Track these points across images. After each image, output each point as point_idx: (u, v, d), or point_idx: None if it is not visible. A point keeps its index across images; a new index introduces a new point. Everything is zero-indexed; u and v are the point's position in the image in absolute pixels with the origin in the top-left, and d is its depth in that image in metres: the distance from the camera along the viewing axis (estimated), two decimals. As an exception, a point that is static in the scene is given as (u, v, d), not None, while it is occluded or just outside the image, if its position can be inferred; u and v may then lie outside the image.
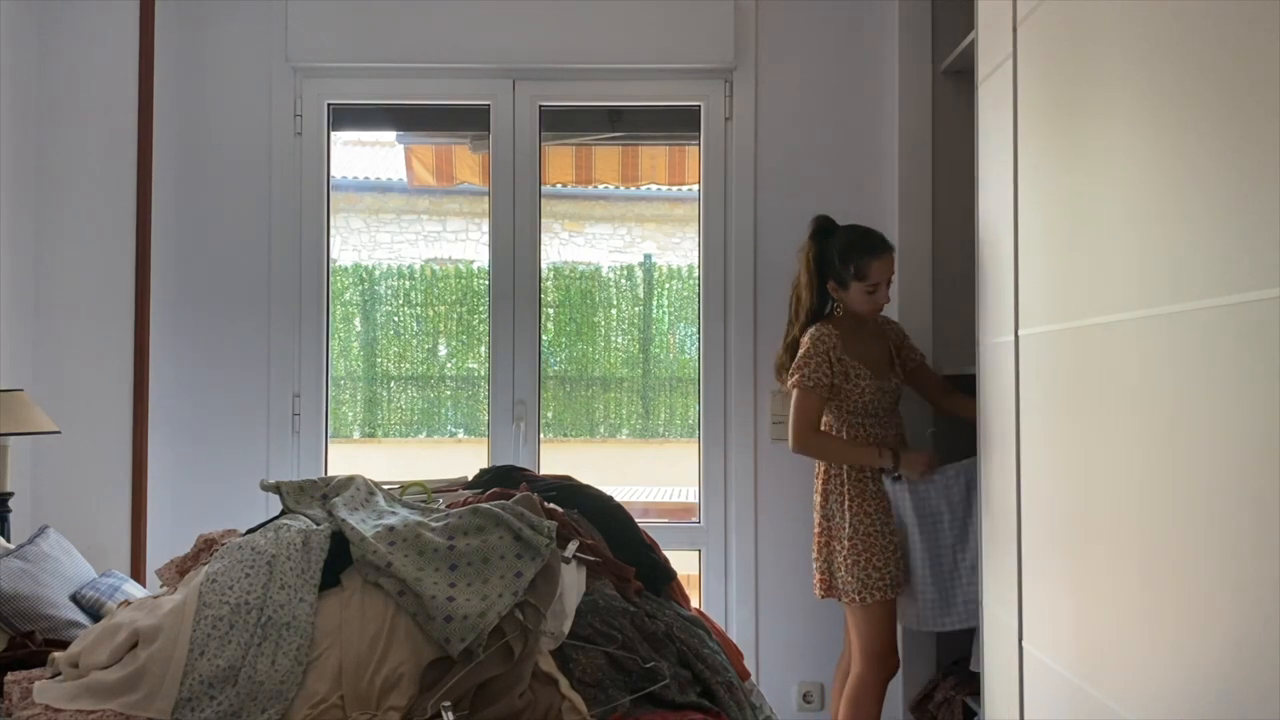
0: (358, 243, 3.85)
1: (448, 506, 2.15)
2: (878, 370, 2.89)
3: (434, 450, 3.86)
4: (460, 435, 3.82)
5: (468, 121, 3.70)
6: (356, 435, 3.80)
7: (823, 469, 2.91)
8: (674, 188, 3.94)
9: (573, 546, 1.98)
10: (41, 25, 3.35)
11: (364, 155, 3.96)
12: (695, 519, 3.53)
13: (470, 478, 2.51)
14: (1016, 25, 2.29)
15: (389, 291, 3.83)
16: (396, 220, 4.01)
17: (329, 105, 3.55)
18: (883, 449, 2.83)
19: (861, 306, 2.89)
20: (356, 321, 3.79)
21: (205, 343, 3.47)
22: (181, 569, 2.07)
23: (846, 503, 2.83)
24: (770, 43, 3.47)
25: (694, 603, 2.37)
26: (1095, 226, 1.88)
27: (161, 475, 3.37)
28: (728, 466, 3.46)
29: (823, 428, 2.93)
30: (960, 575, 2.86)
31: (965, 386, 3.18)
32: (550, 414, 3.65)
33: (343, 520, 1.96)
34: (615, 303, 3.82)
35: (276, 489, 2.18)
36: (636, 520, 2.33)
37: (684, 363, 3.74)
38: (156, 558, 3.18)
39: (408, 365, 3.80)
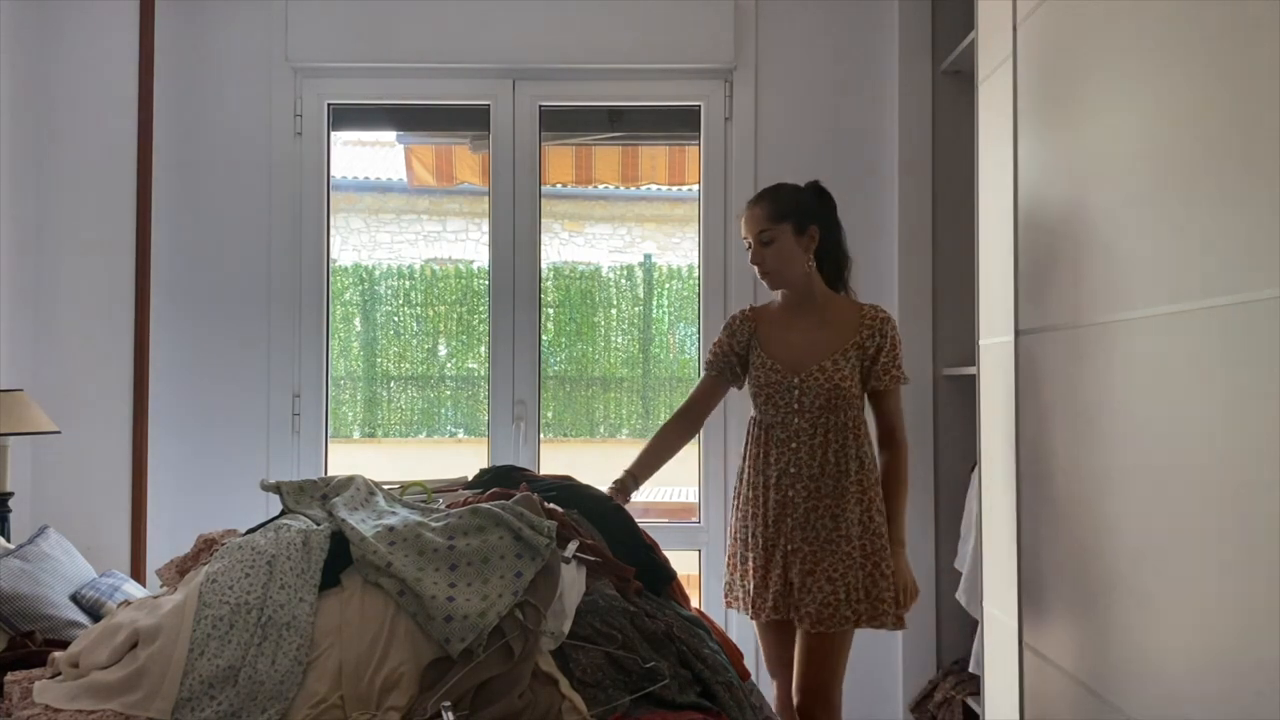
0: (358, 243, 3.85)
1: (448, 506, 2.15)
2: (792, 363, 2.47)
3: (434, 450, 3.86)
4: (460, 435, 3.82)
5: (468, 121, 3.70)
6: (356, 435, 3.80)
7: None
8: (674, 188, 3.94)
9: (573, 546, 1.98)
10: (41, 25, 3.35)
11: (364, 155, 3.96)
12: (695, 519, 3.53)
13: (470, 478, 2.51)
14: (1016, 25, 2.29)
15: (389, 291, 3.83)
16: (396, 220, 4.01)
17: (329, 105, 3.55)
18: (623, 478, 2.57)
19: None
20: (356, 321, 3.79)
21: (205, 342, 3.47)
22: (181, 569, 2.07)
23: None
24: (770, 43, 3.47)
25: (694, 603, 2.37)
26: (1094, 226, 1.88)
27: (161, 475, 3.37)
28: (728, 466, 3.46)
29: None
30: None
31: (965, 386, 3.19)
32: (550, 414, 3.65)
33: (343, 520, 1.96)
34: (615, 303, 3.82)
35: (276, 489, 2.18)
36: (636, 520, 2.33)
37: (684, 363, 3.74)
38: (156, 558, 3.18)
39: (408, 365, 3.80)
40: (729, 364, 2.60)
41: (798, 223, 2.47)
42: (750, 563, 2.49)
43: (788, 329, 2.53)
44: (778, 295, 2.59)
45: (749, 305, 2.66)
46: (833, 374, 2.44)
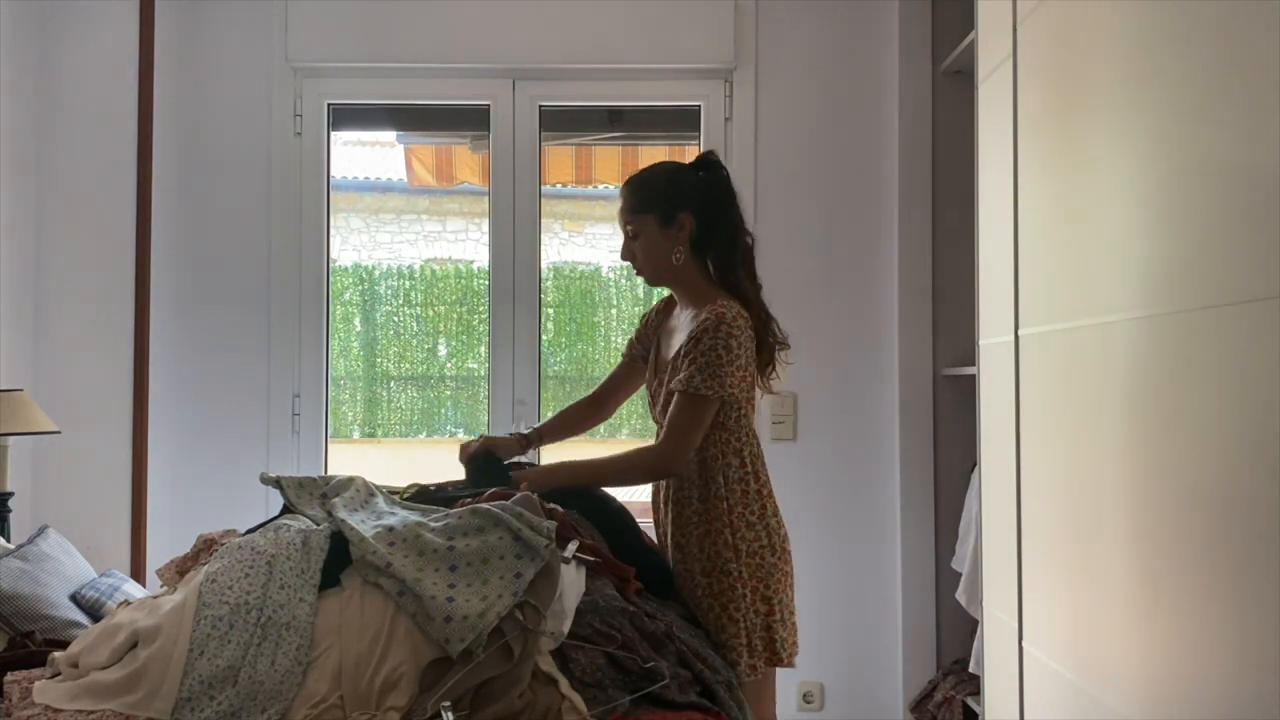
0: (358, 243, 3.85)
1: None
2: (656, 369, 2.29)
3: (434, 450, 3.86)
4: (460, 435, 3.82)
5: (468, 121, 3.70)
6: (356, 435, 3.80)
7: None
8: (674, 188, 3.93)
9: (572, 547, 1.98)
10: (41, 25, 3.34)
11: (364, 155, 3.97)
12: (695, 519, 3.52)
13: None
14: (1016, 25, 2.29)
15: (389, 291, 3.83)
16: (396, 220, 4.01)
17: (329, 105, 3.55)
18: (528, 432, 2.46)
19: None
20: (356, 321, 3.80)
21: (205, 343, 3.46)
22: (181, 569, 2.07)
23: None
24: (770, 43, 3.47)
25: (694, 603, 2.37)
26: (1095, 226, 1.88)
27: (161, 475, 3.37)
28: (728, 466, 3.46)
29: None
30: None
31: (965, 386, 3.19)
32: (550, 414, 3.65)
33: (342, 520, 1.96)
34: (615, 303, 3.82)
35: (277, 483, 2.17)
36: (637, 520, 2.33)
37: (684, 363, 3.74)
38: (156, 558, 3.17)
39: (408, 365, 3.81)
40: (637, 352, 2.40)
41: (663, 213, 2.16)
42: None
43: (668, 330, 2.29)
44: None
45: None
46: (666, 384, 2.17)
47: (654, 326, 2.37)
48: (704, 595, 2.13)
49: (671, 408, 2.12)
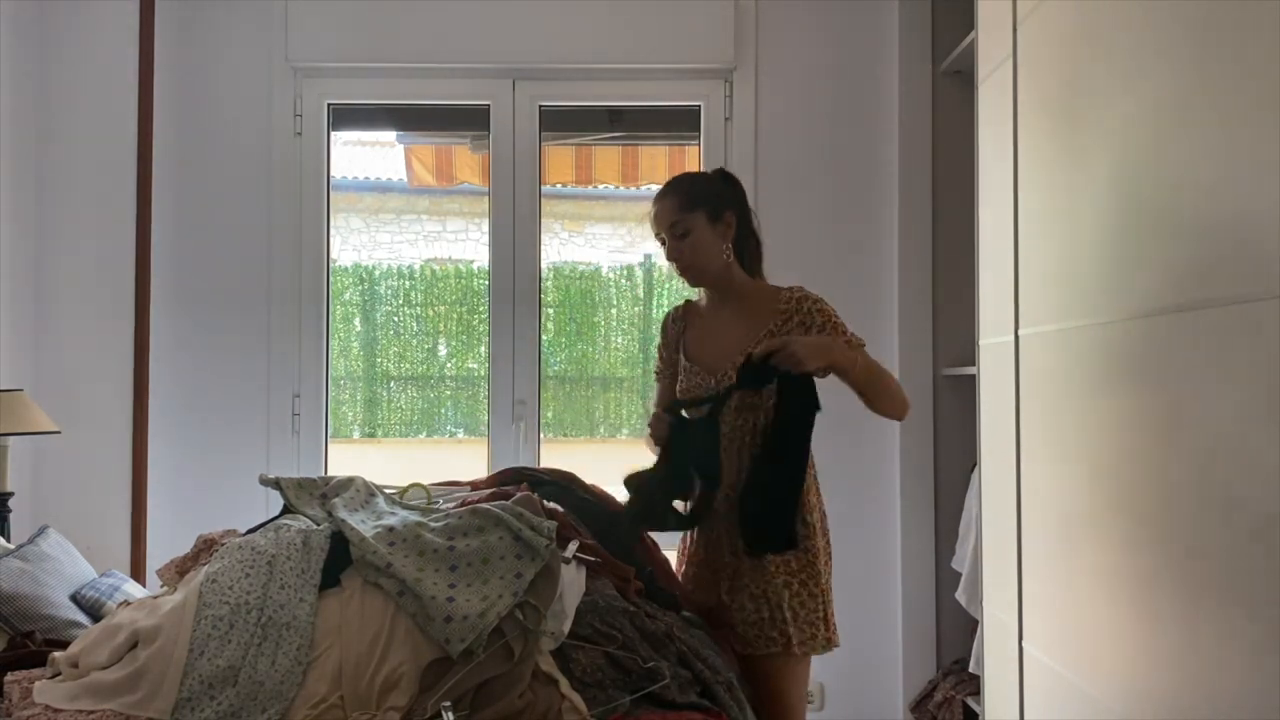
0: (358, 243, 3.85)
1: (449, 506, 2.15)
2: (709, 364, 2.25)
3: (434, 450, 3.86)
4: (460, 435, 3.82)
5: (468, 121, 3.70)
6: (356, 435, 3.80)
7: None
8: (674, 188, 3.93)
9: (573, 547, 1.98)
10: (41, 26, 3.35)
11: (364, 155, 3.97)
12: (695, 519, 3.52)
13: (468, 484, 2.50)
14: (1016, 25, 2.30)
15: (389, 291, 3.83)
16: (396, 220, 4.01)
17: (329, 105, 3.55)
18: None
19: None
20: (356, 321, 3.80)
21: (205, 342, 3.46)
22: (181, 569, 2.07)
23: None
24: (770, 43, 3.47)
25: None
26: (1094, 227, 1.88)
27: (161, 475, 3.37)
28: (728, 466, 3.45)
29: None
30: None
31: (965, 386, 3.19)
32: (550, 414, 3.65)
33: (342, 520, 1.96)
34: (615, 303, 3.82)
35: (276, 484, 2.17)
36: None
37: (684, 363, 3.74)
38: (156, 558, 3.17)
39: (408, 365, 3.81)
40: (674, 366, 2.36)
41: (711, 210, 2.22)
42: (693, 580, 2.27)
43: (709, 328, 2.30)
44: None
45: (685, 300, 2.43)
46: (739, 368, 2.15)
47: (676, 334, 2.37)
48: (781, 573, 2.13)
49: (871, 364, 2.18)
